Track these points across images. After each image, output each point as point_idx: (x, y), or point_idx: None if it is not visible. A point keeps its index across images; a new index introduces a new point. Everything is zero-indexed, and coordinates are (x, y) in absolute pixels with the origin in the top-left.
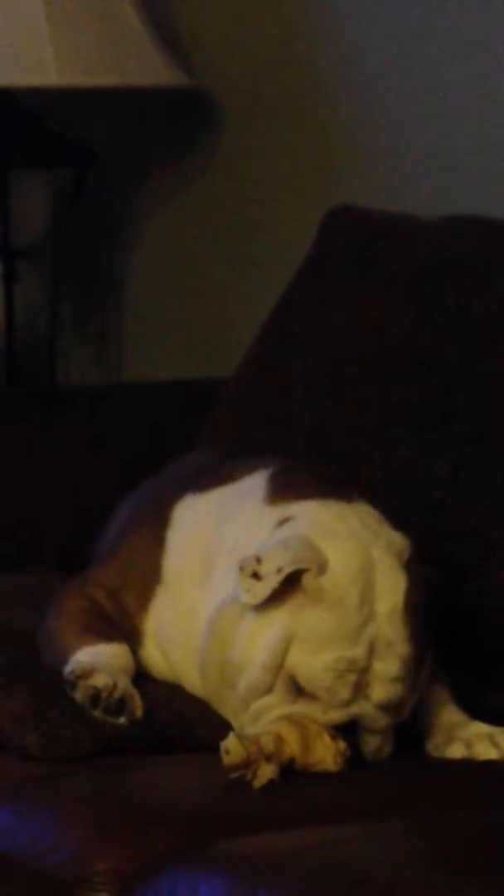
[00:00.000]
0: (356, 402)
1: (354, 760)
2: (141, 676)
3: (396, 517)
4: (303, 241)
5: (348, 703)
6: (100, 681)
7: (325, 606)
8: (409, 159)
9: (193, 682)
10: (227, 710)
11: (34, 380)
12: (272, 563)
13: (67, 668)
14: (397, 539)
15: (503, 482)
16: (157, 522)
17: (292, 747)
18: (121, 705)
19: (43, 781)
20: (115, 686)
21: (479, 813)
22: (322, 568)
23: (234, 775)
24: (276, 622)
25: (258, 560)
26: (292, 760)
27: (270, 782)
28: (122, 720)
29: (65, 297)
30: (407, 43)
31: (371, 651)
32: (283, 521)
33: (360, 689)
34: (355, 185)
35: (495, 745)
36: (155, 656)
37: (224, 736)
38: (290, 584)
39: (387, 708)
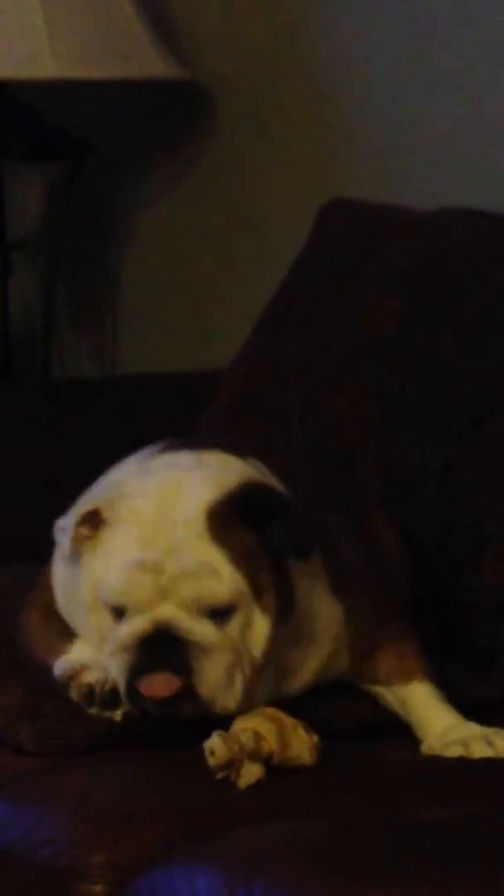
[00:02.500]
0: (351, 394)
1: (328, 755)
2: None
3: (391, 509)
4: (298, 234)
5: (149, 607)
6: (91, 676)
7: (121, 526)
8: (404, 152)
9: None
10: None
11: (29, 372)
12: (72, 514)
13: (57, 672)
14: (228, 471)
15: (498, 476)
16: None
17: (270, 743)
18: (115, 696)
19: (38, 775)
20: (106, 679)
21: (468, 803)
22: (113, 502)
23: (220, 775)
24: (85, 564)
25: (67, 517)
26: (270, 756)
27: (258, 782)
28: (117, 715)
29: (60, 289)
30: (402, 36)
31: (169, 554)
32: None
33: (163, 594)
34: (351, 178)
35: (490, 744)
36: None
37: (216, 726)
38: (100, 525)
39: (198, 607)
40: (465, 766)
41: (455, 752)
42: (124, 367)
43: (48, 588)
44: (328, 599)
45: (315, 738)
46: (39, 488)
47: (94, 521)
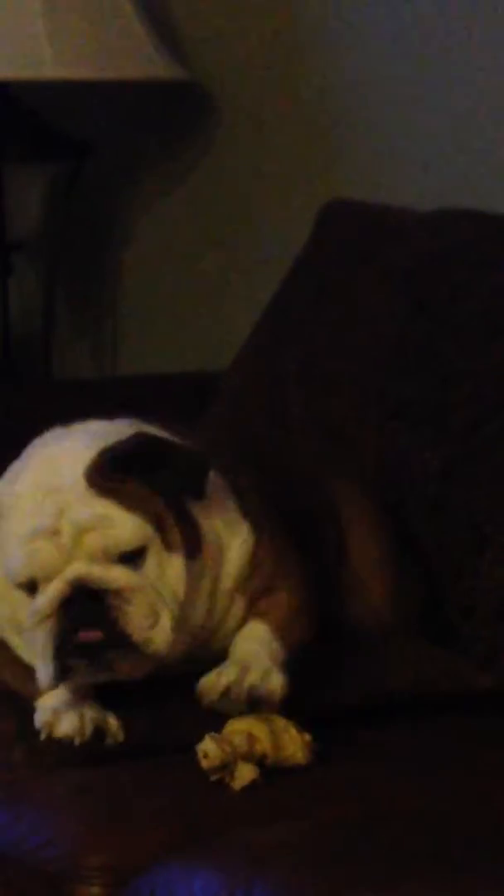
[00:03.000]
0: (351, 395)
1: (322, 752)
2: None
3: (391, 510)
4: (299, 234)
5: (58, 569)
6: (66, 727)
7: (10, 511)
8: (404, 153)
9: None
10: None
11: (29, 373)
12: None
13: (36, 723)
14: (102, 432)
15: (497, 478)
16: None
17: (263, 744)
18: (99, 735)
19: (34, 779)
20: (83, 725)
21: (467, 802)
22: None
23: (214, 777)
24: None
25: None
26: (264, 757)
27: (252, 782)
28: (108, 741)
29: (60, 290)
30: (403, 38)
31: (59, 517)
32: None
33: (68, 554)
34: (351, 179)
35: (245, 671)
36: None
37: (207, 732)
38: None
39: (107, 556)
40: (465, 767)
41: (228, 676)
42: (124, 367)
43: None
44: (239, 533)
45: (307, 736)
46: None
47: None
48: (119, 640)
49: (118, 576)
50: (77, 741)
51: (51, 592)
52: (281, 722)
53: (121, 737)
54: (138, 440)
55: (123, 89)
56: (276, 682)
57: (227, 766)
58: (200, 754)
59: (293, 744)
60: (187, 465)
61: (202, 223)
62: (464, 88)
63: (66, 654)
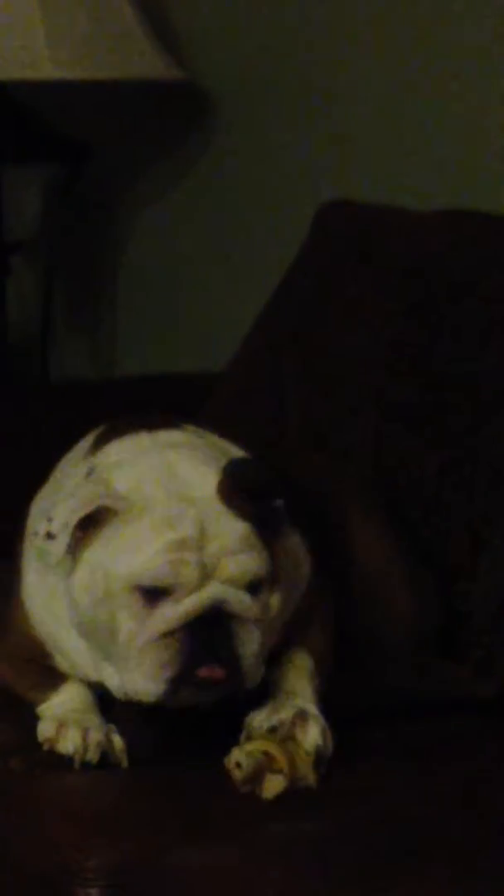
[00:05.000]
0: (349, 397)
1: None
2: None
3: (388, 512)
4: (296, 235)
5: (200, 586)
6: (69, 745)
7: (129, 515)
8: (402, 154)
9: (86, 669)
10: (112, 661)
11: (27, 374)
12: (60, 519)
13: (39, 737)
14: (205, 448)
15: (494, 480)
16: (26, 516)
17: (280, 763)
18: (103, 758)
19: (32, 780)
20: (86, 744)
21: (467, 804)
22: (107, 497)
23: (245, 789)
24: (92, 561)
25: (49, 520)
26: (280, 774)
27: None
28: (111, 760)
29: (58, 291)
30: (401, 37)
31: (203, 531)
32: (89, 473)
33: (208, 572)
34: (349, 180)
35: (302, 720)
36: (59, 658)
37: (212, 759)
38: (93, 523)
39: (242, 583)
40: (465, 768)
41: (255, 720)
42: (122, 368)
43: (5, 620)
44: (303, 562)
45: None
46: (36, 490)
47: (86, 523)
48: (234, 673)
49: (251, 605)
50: (77, 760)
51: (186, 608)
52: (291, 744)
53: (125, 761)
54: (259, 465)
55: (121, 89)
56: (331, 740)
57: (257, 778)
58: (232, 765)
59: (305, 766)
60: (290, 496)
61: (200, 223)
62: (463, 89)
63: (183, 681)
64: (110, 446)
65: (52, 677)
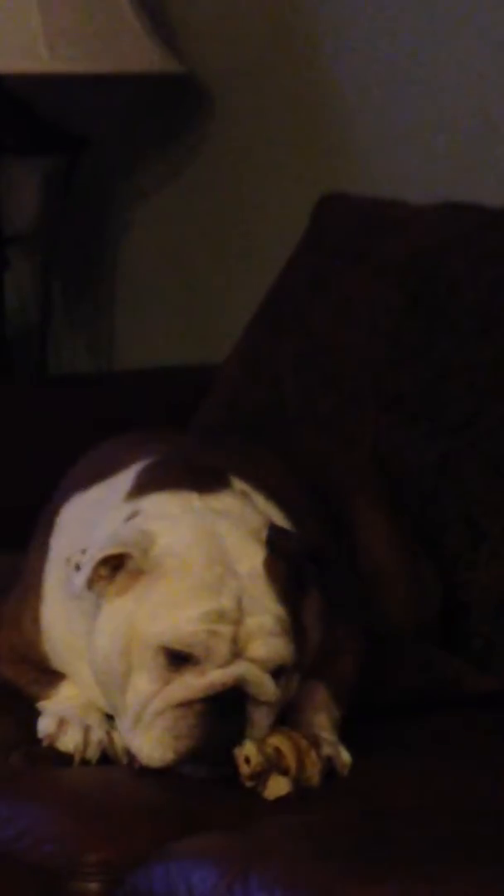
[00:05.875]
0: (347, 389)
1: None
2: None
3: (392, 500)
4: (295, 228)
5: (228, 661)
6: (70, 742)
7: (168, 574)
8: (401, 147)
9: (97, 696)
10: (116, 712)
11: (26, 368)
12: (90, 553)
13: (39, 733)
14: (253, 518)
15: (493, 471)
16: (47, 529)
17: (289, 761)
18: (103, 756)
19: (30, 776)
20: (87, 743)
21: (460, 802)
22: (147, 549)
23: (249, 784)
24: (120, 610)
25: (83, 552)
26: (286, 772)
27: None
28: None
29: (56, 284)
30: (400, 32)
31: (240, 606)
32: (132, 516)
33: (238, 648)
34: (348, 172)
35: (316, 746)
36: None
37: (223, 762)
38: (128, 574)
39: (269, 667)
40: (462, 764)
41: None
42: (121, 362)
43: (8, 622)
44: (323, 633)
45: (320, 763)
46: (36, 484)
47: (114, 562)
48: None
49: (273, 691)
50: (77, 758)
51: (212, 681)
52: (304, 743)
53: (125, 759)
54: (306, 545)
55: (119, 82)
56: (347, 757)
57: (261, 776)
58: (241, 759)
59: (312, 766)
60: (327, 573)
61: (198, 216)
62: (462, 83)
63: (193, 756)
64: (158, 497)
65: (53, 673)
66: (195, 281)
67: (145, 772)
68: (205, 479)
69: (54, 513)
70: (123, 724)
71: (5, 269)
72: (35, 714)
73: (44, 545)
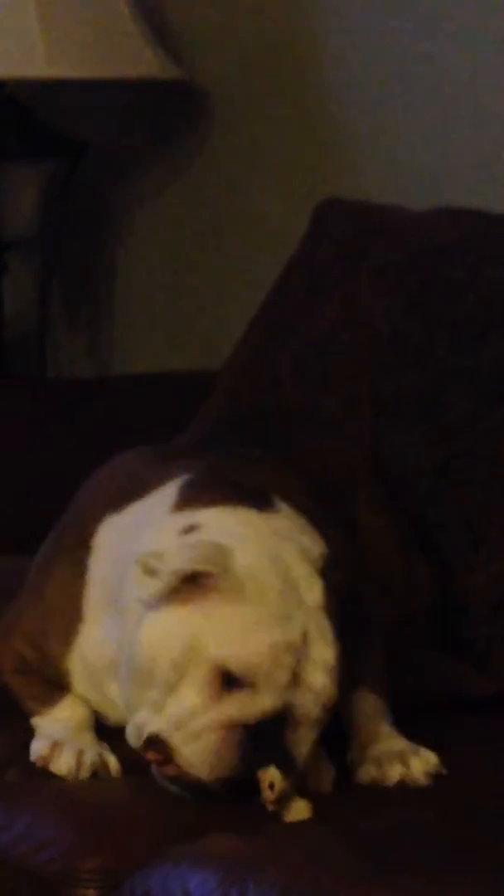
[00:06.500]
0: (346, 393)
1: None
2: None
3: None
4: (293, 233)
5: (283, 689)
6: (63, 765)
7: (245, 598)
8: (399, 152)
9: (106, 708)
10: (142, 712)
11: (25, 372)
12: (171, 561)
13: (32, 756)
14: (311, 546)
15: (491, 475)
16: (79, 550)
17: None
18: (96, 775)
19: (27, 783)
20: (80, 765)
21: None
22: (227, 568)
23: (271, 808)
24: (184, 621)
25: (159, 557)
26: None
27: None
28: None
29: (55, 289)
30: (397, 37)
31: (305, 637)
32: (189, 529)
33: (296, 677)
34: (346, 178)
35: (404, 763)
36: (82, 693)
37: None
38: (196, 585)
39: (322, 700)
40: (459, 767)
41: (367, 775)
42: (119, 366)
43: (25, 638)
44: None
45: (333, 770)
46: (35, 488)
47: (189, 578)
48: (290, 775)
49: (319, 718)
50: (70, 780)
51: (265, 706)
52: (317, 751)
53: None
54: (345, 572)
55: (118, 88)
56: (433, 757)
57: (284, 800)
58: (266, 783)
59: (328, 775)
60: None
61: (197, 221)
62: (461, 88)
63: (237, 779)
64: (214, 512)
65: (54, 690)
66: (194, 285)
67: (144, 780)
68: (252, 497)
69: (87, 534)
70: (142, 715)
71: (4, 273)
72: (29, 730)
73: (81, 568)
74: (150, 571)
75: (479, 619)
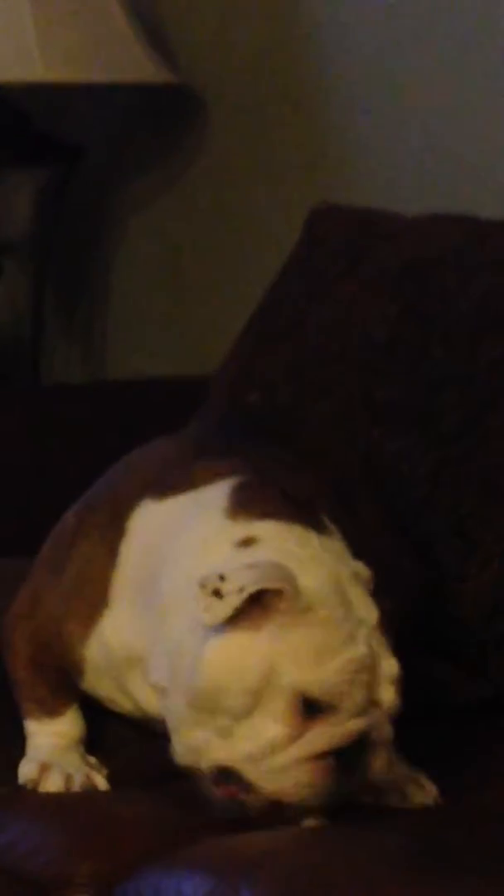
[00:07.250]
0: (339, 400)
1: None
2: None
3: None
4: (288, 238)
5: (363, 709)
6: (51, 786)
7: (313, 620)
8: (394, 158)
9: (148, 703)
10: (198, 734)
11: (18, 377)
12: (236, 582)
13: (20, 779)
14: (361, 570)
15: (485, 481)
16: (112, 531)
17: None
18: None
19: (20, 789)
20: (69, 786)
21: (463, 811)
22: (295, 588)
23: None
24: (256, 646)
25: (221, 578)
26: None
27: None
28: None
29: (49, 294)
30: (392, 42)
31: (372, 656)
32: (246, 542)
33: (371, 697)
34: (341, 183)
35: (420, 786)
36: (95, 682)
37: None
38: (261, 606)
39: (393, 712)
40: (454, 771)
41: (394, 800)
42: (114, 371)
43: (50, 620)
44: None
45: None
46: (29, 493)
47: (255, 598)
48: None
49: (391, 732)
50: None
51: (350, 730)
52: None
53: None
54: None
55: (114, 92)
56: (431, 787)
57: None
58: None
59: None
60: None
61: (192, 227)
62: (457, 93)
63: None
64: (271, 527)
65: (59, 701)
66: (188, 291)
67: (136, 785)
68: (304, 512)
69: (121, 516)
70: (200, 738)
71: None
72: (23, 736)
73: (111, 550)
74: (216, 593)
75: (472, 625)
